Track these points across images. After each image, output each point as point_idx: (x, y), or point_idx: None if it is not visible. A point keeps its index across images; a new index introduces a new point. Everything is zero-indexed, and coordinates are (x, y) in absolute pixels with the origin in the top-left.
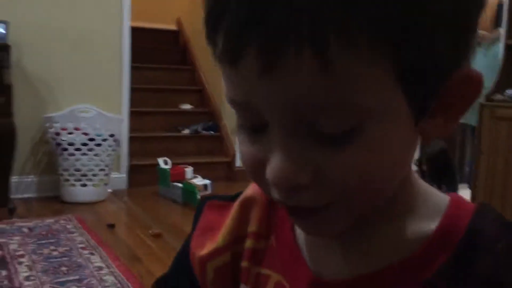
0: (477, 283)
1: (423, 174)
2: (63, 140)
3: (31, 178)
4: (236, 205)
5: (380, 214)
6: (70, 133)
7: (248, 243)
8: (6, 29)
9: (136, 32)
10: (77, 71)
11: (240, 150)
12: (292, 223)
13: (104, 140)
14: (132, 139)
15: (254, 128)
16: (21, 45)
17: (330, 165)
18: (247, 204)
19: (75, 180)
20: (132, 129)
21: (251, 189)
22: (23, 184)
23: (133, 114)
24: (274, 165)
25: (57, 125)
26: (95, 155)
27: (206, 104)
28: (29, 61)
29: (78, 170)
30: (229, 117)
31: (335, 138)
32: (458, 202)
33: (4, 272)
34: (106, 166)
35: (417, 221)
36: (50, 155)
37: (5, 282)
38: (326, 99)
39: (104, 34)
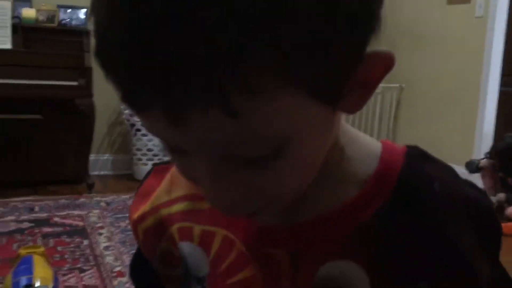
0: (417, 223)
1: (494, 167)
2: (137, 121)
3: (106, 157)
4: (169, 172)
5: (337, 159)
6: None
7: (178, 206)
8: (86, 14)
9: None
10: None
11: (171, 159)
12: None
13: None
14: None
15: (176, 149)
16: None
17: (257, 182)
18: (176, 172)
19: (147, 160)
20: None
21: None
22: (99, 162)
23: None
24: (205, 189)
25: None
26: None
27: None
28: None
29: (150, 150)
30: None
31: (257, 160)
32: (390, 147)
33: (86, 242)
34: None
35: (353, 168)
36: (125, 135)
37: (87, 251)
38: (240, 138)
39: None
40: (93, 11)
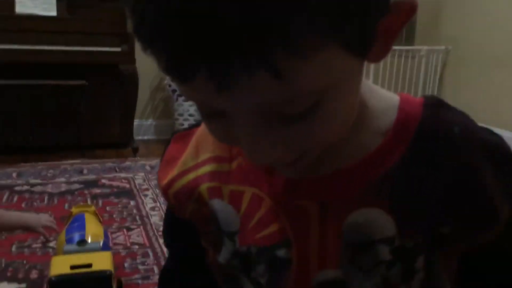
0: (439, 166)
1: None
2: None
3: (150, 122)
4: (194, 138)
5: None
6: None
7: (205, 168)
8: None
9: None
10: None
11: (208, 128)
12: None
13: None
14: None
15: (214, 113)
16: None
17: (296, 135)
18: (201, 137)
19: (189, 125)
20: None
21: None
22: (143, 126)
23: None
24: (245, 149)
25: None
26: None
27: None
28: None
29: (191, 115)
30: None
31: (295, 115)
32: (407, 98)
33: (132, 203)
34: None
35: (374, 120)
36: (166, 100)
37: (134, 211)
38: (282, 97)
39: None
40: None
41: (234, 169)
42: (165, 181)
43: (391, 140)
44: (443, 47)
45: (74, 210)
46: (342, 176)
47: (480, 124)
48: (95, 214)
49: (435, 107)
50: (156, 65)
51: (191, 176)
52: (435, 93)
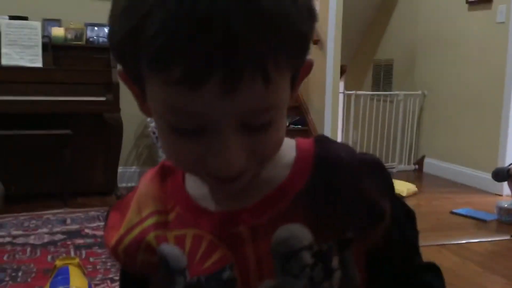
0: (335, 183)
1: None
2: None
3: (134, 169)
4: (134, 200)
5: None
6: None
7: (150, 220)
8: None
9: None
10: None
11: (168, 146)
12: (183, 196)
13: None
14: None
15: (193, 131)
16: None
17: (257, 145)
18: (141, 196)
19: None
20: None
21: (144, 180)
22: (127, 173)
23: None
24: (224, 160)
25: None
26: None
27: (294, 99)
28: None
29: None
30: (316, 112)
31: (259, 127)
32: (301, 139)
33: None
34: None
35: (281, 157)
36: (151, 147)
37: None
38: (264, 104)
39: None
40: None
41: (173, 219)
42: (113, 242)
43: (296, 171)
44: (419, 92)
45: (58, 262)
46: (264, 204)
47: (458, 165)
48: (79, 266)
49: (323, 142)
50: (140, 113)
51: (137, 230)
52: (414, 135)
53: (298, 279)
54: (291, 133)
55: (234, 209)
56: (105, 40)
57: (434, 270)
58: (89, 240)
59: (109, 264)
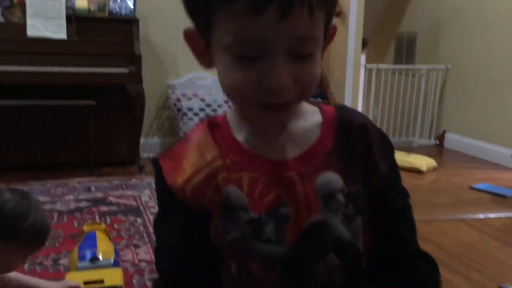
0: (355, 142)
1: None
2: (183, 106)
3: (155, 139)
4: (193, 145)
5: (298, 113)
6: (189, 99)
7: (217, 163)
8: (134, 3)
9: None
10: None
11: (230, 79)
12: (235, 144)
13: (219, 106)
14: None
15: (249, 58)
16: (147, 18)
17: (301, 74)
18: (200, 145)
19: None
20: None
21: (196, 133)
22: (148, 144)
23: None
24: (275, 76)
25: (178, 91)
26: (217, 115)
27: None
28: (154, 33)
29: None
30: (336, 86)
31: (303, 57)
32: (323, 104)
33: (139, 220)
34: None
35: (309, 117)
36: (172, 119)
37: (141, 228)
38: (310, 33)
39: None
40: None
41: (229, 163)
42: (179, 182)
43: (325, 132)
44: (442, 66)
45: (86, 228)
46: (307, 155)
47: (480, 141)
48: (105, 232)
49: (343, 109)
50: (162, 84)
51: (205, 171)
52: (436, 110)
53: (336, 214)
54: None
55: (282, 159)
56: (128, 12)
57: (430, 261)
58: (113, 208)
59: (132, 230)
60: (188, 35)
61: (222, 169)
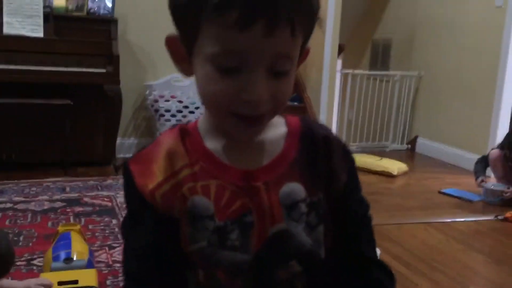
0: (317, 153)
1: (506, 158)
2: (161, 107)
3: (132, 140)
4: (163, 150)
5: (266, 127)
6: (166, 101)
7: (184, 172)
8: (113, 3)
9: None
10: None
11: (209, 88)
12: (205, 152)
13: (197, 108)
14: None
15: (230, 69)
16: (126, 18)
17: (277, 90)
18: (170, 151)
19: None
20: None
21: (166, 138)
22: (125, 144)
23: None
24: (254, 90)
25: (156, 92)
26: (189, 121)
27: (297, 69)
28: (132, 33)
29: None
30: (313, 90)
31: (281, 74)
32: (288, 116)
33: (114, 221)
34: None
35: (275, 128)
36: (149, 120)
37: (116, 230)
38: (290, 52)
39: None
40: None
41: (198, 171)
42: (150, 187)
43: (290, 143)
44: (415, 73)
45: (61, 228)
46: (273, 165)
47: (450, 146)
48: (80, 232)
49: (307, 121)
50: (139, 85)
51: (174, 180)
52: (408, 115)
53: (299, 223)
54: (287, 110)
55: (250, 168)
56: (106, 11)
57: (386, 271)
58: (88, 208)
59: (107, 231)
60: (170, 42)
61: (189, 179)
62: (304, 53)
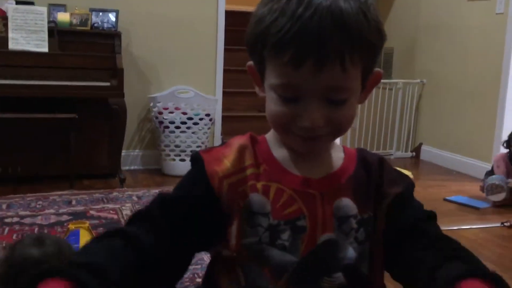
0: (370, 176)
1: (509, 156)
2: (165, 119)
3: (136, 152)
4: (234, 148)
5: (328, 146)
6: (171, 112)
7: (250, 170)
8: (116, 17)
9: (230, 16)
10: (176, 55)
11: (273, 110)
12: (271, 157)
13: (201, 119)
14: (224, 118)
15: (289, 98)
16: (129, 31)
17: (333, 115)
18: (241, 149)
19: (175, 155)
20: (224, 108)
21: (238, 140)
22: (130, 157)
23: (226, 94)
24: (309, 118)
25: (160, 104)
26: (193, 133)
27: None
28: (136, 46)
29: (177, 146)
30: None
31: (337, 102)
32: (345, 146)
33: None
34: (202, 143)
35: (336, 152)
36: (153, 132)
37: None
38: (342, 84)
39: (201, 19)
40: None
41: (262, 172)
42: (220, 174)
43: (347, 163)
44: (418, 81)
45: (71, 226)
46: (330, 178)
47: (454, 153)
48: (89, 230)
49: (363, 150)
50: (143, 98)
51: (241, 175)
52: (412, 123)
53: (348, 237)
54: None
55: (309, 177)
56: (110, 26)
57: (431, 217)
58: (94, 221)
59: None
60: (249, 69)
61: (252, 177)
62: (374, 77)
